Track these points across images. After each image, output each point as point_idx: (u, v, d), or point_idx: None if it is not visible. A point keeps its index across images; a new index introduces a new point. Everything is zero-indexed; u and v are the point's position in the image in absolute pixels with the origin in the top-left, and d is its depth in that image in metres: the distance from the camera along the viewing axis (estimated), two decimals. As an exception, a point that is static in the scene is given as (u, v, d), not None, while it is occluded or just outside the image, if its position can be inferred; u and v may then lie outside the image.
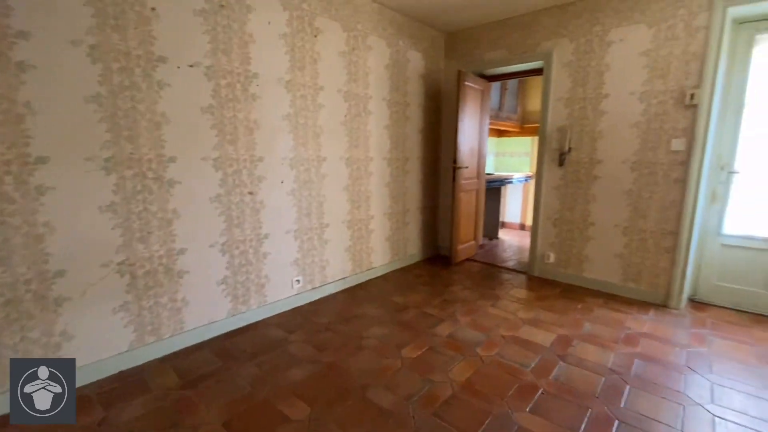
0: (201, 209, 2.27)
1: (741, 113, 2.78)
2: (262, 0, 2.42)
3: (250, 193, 2.50)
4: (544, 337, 2.43)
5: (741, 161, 2.82)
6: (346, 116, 3.10)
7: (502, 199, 5.55)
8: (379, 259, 3.64)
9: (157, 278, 2.12)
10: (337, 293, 3.17)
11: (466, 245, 4.11)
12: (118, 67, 1.87)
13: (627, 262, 3.16)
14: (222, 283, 2.43)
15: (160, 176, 2.07)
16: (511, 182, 5.19)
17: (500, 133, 5.85)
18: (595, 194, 3.26)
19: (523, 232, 5.67)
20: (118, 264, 1.96)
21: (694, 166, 2.76)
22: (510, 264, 4.04)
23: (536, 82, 5.45)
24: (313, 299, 3.00)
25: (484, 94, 4.01)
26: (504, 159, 5.94)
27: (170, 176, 2.11)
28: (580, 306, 2.96)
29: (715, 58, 2.62)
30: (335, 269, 3.19)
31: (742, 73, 2.75)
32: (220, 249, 2.39)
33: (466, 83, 3.69)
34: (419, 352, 2.24)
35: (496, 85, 4.89)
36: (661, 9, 2.79)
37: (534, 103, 5.55)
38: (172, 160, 2.11)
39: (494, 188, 4.90)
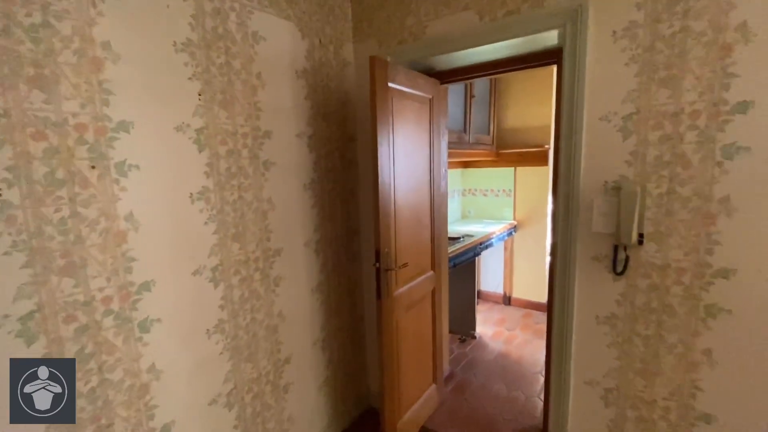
0: None
1: None
2: None
3: None
4: None
5: None
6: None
7: (476, 267, 3.58)
8: None
9: None
10: None
11: (417, 406, 2.07)
12: None
13: None
14: None
15: None
16: (490, 245, 3.23)
17: (466, 164, 3.91)
18: (711, 350, 1.32)
19: (510, 311, 3.72)
20: None
21: None
22: (506, 439, 2.03)
23: (521, 79, 3.57)
24: None
25: (434, 107, 2.02)
26: (474, 200, 4.00)
27: None
28: None
29: None
30: None
31: None
32: None
33: (393, 85, 1.68)
34: None
35: (456, 91, 2.92)
36: None
37: (517, 115, 3.65)
38: None
39: (467, 262, 2.91)
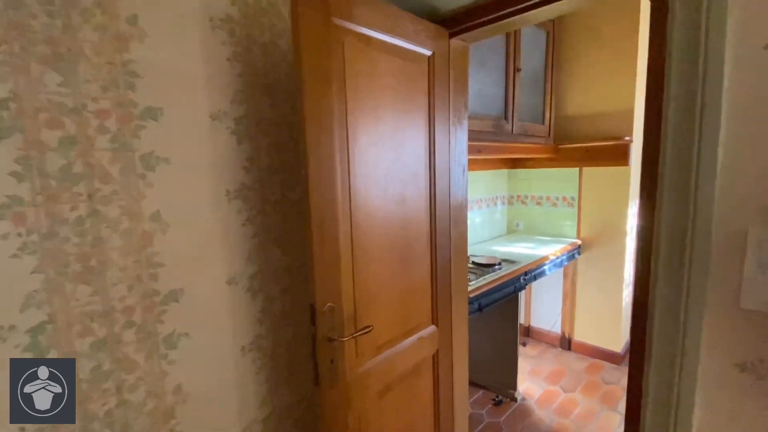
0: None
1: None
2: None
3: None
4: None
5: None
6: None
7: (522, 298, 2.72)
8: None
9: None
10: None
11: None
12: None
13: None
14: None
15: None
16: (542, 274, 2.37)
17: (514, 162, 3.06)
18: None
19: (569, 359, 2.80)
20: None
21: None
22: None
23: (592, 47, 2.66)
24: None
25: (435, 71, 1.28)
26: (523, 211, 3.12)
27: None
28: None
29: None
30: None
31: None
32: None
33: (346, 24, 0.99)
34: None
35: (491, 61, 2.13)
36: None
37: (585, 98, 2.72)
38: None
39: (503, 300, 2.10)
